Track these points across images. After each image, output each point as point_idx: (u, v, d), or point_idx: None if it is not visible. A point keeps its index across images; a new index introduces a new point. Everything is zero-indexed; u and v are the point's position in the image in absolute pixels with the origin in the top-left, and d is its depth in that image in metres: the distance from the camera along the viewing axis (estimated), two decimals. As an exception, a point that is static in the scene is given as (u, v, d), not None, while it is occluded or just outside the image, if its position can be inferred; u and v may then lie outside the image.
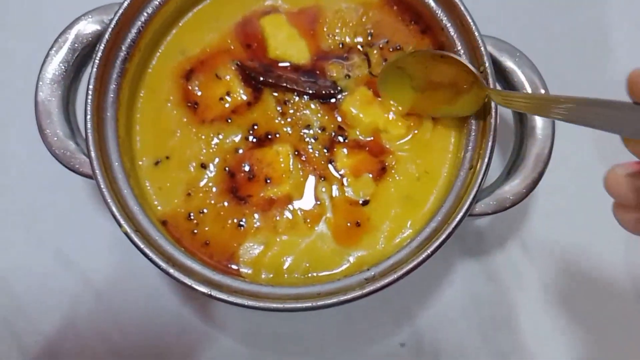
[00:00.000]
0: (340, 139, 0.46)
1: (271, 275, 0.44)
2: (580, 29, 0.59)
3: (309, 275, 0.45)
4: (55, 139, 0.44)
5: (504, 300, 0.55)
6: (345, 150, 0.46)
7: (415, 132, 0.46)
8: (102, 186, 0.41)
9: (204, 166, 0.46)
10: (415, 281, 0.54)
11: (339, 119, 0.47)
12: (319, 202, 0.45)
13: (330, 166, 0.46)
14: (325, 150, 0.46)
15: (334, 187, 0.46)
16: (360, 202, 0.45)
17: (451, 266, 0.55)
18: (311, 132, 0.47)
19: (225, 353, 0.53)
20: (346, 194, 0.45)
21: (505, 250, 0.55)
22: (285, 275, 0.45)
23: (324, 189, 0.45)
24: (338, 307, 0.54)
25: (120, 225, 0.41)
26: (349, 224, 0.45)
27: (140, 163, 0.46)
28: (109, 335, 0.53)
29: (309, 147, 0.46)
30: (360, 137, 0.46)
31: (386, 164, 0.46)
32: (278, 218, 0.45)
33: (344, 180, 0.46)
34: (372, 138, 0.46)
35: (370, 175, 0.45)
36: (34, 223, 0.55)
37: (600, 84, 0.57)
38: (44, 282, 0.55)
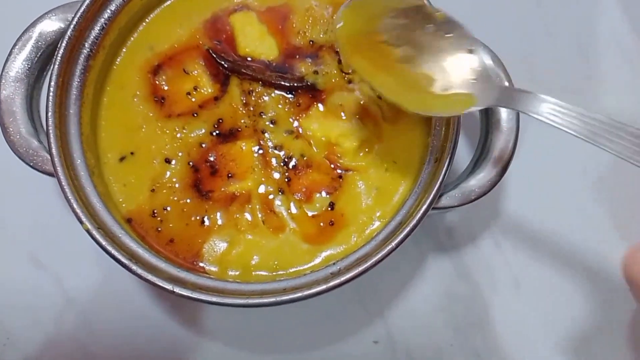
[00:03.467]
0: (297, 155, 0.46)
1: (238, 273, 0.44)
2: (549, 21, 0.59)
3: (278, 272, 0.44)
4: (18, 137, 0.44)
5: (477, 296, 0.55)
6: (300, 169, 0.46)
7: (367, 150, 0.46)
8: (63, 183, 0.41)
9: (168, 161, 0.46)
10: (388, 279, 0.55)
11: (299, 126, 0.47)
12: (277, 216, 0.45)
13: (286, 181, 0.46)
14: (283, 165, 0.46)
15: (292, 205, 0.46)
16: (325, 209, 0.45)
17: (423, 263, 0.55)
18: (272, 126, 0.46)
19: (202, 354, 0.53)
20: (305, 211, 0.45)
21: (477, 246, 0.56)
22: (253, 273, 0.44)
23: (279, 202, 0.45)
24: (313, 306, 0.54)
25: (81, 222, 0.40)
26: (322, 224, 0.45)
27: (105, 159, 0.46)
28: (85, 345, 0.53)
29: (269, 145, 0.46)
30: (315, 150, 0.46)
31: (343, 173, 0.46)
32: (238, 216, 0.45)
33: (299, 199, 0.46)
34: (325, 152, 0.47)
35: (324, 194, 0.46)
36: (2, 226, 0.54)
37: (573, 79, 0.58)
38: (15, 286, 0.54)
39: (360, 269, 0.39)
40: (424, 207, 0.40)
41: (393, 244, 0.40)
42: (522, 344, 0.54)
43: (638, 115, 0.57)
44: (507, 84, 0.44)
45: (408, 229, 0.40)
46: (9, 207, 0.55)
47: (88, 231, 0.40)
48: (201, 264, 0.44)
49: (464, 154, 0.53)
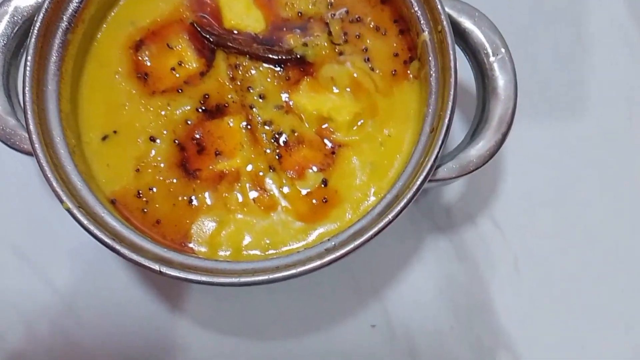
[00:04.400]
0: (287, 131, 0.45)
1: (229, 253, 0.42)
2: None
3: (270, 252, 0.43)
4: (-6, 115, 0.42)
5: (477, 278, 0.53)
6: (291, 145, 0.45)
7: (363, 120, 0.45)
8: (42, 161, 0.39)
9: (152, 139, 0.44)
10: (385, 261, 0.53)
11: (289, 100, 0.45)
12: (268, 194, 0.43)
13: (277, 158, 0.44)
14: (273, 141, 0.44)
15: (284, 182, 0.44)
16: (318, 187, 0.44)
17: (421, 244, 0.54)
18: (260, 101, 0.45)
19: (196, 343, 0.51)
20: (298, 188, 0.44)
21: (475, 226, 0.54)
22: (245, 253, 0.42)
23: (270, 180, 0.44)
24: (307, 290, 0.53)
25: (61, 201, 0.38)
26: (315, 202, 0.43)
27: (87, 139, 0.44)
28: (71, 335, 0.51)
29: (258, 121, 0.45)
30: (306, 125, 0.44)
31: (336, 148, 0.44)
32: (227, 195, 0.43)
33: (291, 177, 0.44)
34: (317, 127, 0.45)
35: (317, 170, 0.44)
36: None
37: (566, 44, 0.56)
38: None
39: (356, 243, 0.38)
40: (420, 178, 0.39)
41: (389, 217, 0.38)
42: (524, 324, 0.52)
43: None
44: (503, 50, 0.42)
45: (404, 201, 0.38)
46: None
47: (69, 210, 0.38)
48: (190, 246, 0.42)
49: (460, 125, 0.52)
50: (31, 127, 0.39)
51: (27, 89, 0.40)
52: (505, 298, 0.53)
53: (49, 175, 0.39)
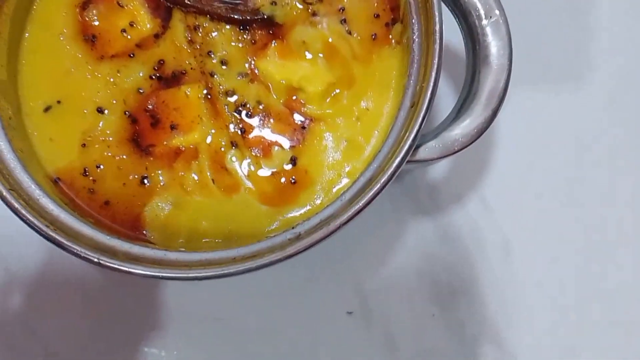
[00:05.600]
0: (252, 103, 0.40)
1: (184, 241, 0.38)
2: None
3: (232, 239, 0.38)
4: None
5: (463, 261, 0.50)
6: (257, 119, 0.40)
7: (337, 91, 0.40)
8: (-33, 136, 0.34)
9: (100, 110, 0.40)
10: (364, 243, 0.50)
11: (254, 68, 0.40)
12: (229, 174, 0.39)
13: (240, 133, 0.40)
14: (236, 114, 0.40)
15: (247, 161, 0.40)
16: (286, 167, 0.40)
17: (403, 227, 0.50)
18: (223, 67, 0.40)
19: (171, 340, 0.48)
20: (262, 168, 0.39)
21: (463, 206, 0.50)
22: (203, 240, 0.38)
23: (232, 158, 0.39)
24: (277, 275, 0.49)
25: (-11, 182, 0.34)
26: (282, 182, 0.39)
27: (27, 110, 0.40)
28: (29, 323, 0.48)
29: (220, 90, 0.40)
30: (274, 96, 0.40)
31: (307, 123, 0.40)
32: (183, 174, 0.38)
33: (256, 155, 0.40)
34: (286, 98, 0.40)
35: (285, 147, 0.40)
36: None
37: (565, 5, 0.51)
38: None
39: (322, 233, 0.34)
40: (397, 159, 0.34)
41: (360, 203, 0.34)
42: (512, 313, 0.49)
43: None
44: (497, 12, 0.37)
45: (378, 186, 0.34)
46: None
47: (-3, 193, 0.34)
48: (141, 230, 0.38)
49: (447, 99, 0.47)
50: (-47, 97, 0.35)
51: (-52, 53, 0.35)
52: (494, 284, 0.50)
53: (-26, 153, 0.34)
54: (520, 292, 0.49)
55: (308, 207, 0.39)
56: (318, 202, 0.39)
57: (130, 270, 0.33)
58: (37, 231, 0.33)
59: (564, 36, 0.51)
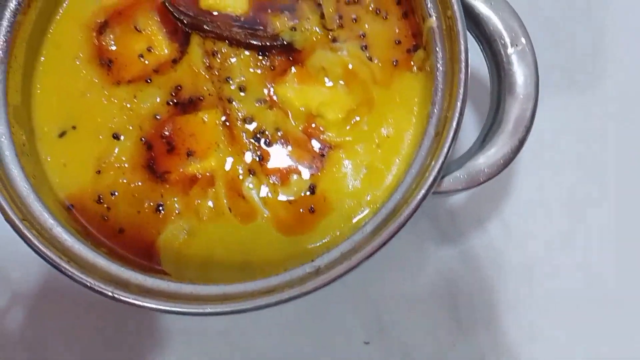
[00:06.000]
0: (271, 129, 0.39)
1: (198, 270, 0.37)
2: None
3: (248, 269, 0.37)
4: None
5: (484, 288, 0.49)
6: (275, 146, 0.39)
7: (357, 118, 0.39)
8: (-19, 167, 0.34)
9: (116, 136, 0.39)
10: (382, 271, 0.48)
11: (273, 94, 0.39)
12: (246, 201, 0.39)
13: (258, 160, 0.39)
14: (254, 141, 0.39)
15: (265, 188, 0.39)
16: (304, 195, 0.39)
17: (423, 251, 0.49)
18: (241, 94, 0.39)
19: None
20: (280, 196, 0.39)
21: (484, 231, 0.49)
22: (217, 270, 0.37)
23: (249, 185, 0.38)
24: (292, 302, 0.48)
25: (3, 212, 0.33)
26: (300, 211, 0.38)
27: (41, 135, 0.39)
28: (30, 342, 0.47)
29: (238, 117, 0.39)
30: (293, 123, 0.39)
31: (326, 150, 0.39)
32: (199, 201, 0.37)
33: (274, 182, 0.39)
34: (305, 125, 0.40)
35: (303, 175, 0.39)
36: None
37: (593, 35, 0.50)
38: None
39: (343, 268, 0.32)
40: (422, 191, 0.33)
41: (383, 236, 0.33)
42: (534, 343, 0.48)
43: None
44: (524, 40, 0.36)
45: (402, 218, 0.33)
46: None
47: (10, 222, 0.33)
48: (155, 259, 0.37)
49: (470, 126, 0.46)
50: (-32, 125, 0.34)
51: (-36, 80, 0.35)
52: (516, 313, 0.48)
53: (-12, 183, 0.33)
54: (543, 320, 0.48)
55: (327, 238, 0.38)
56: (338, 232, 0.38)
57: (144, 304, 0.32)
58: (49, 263, 0.33)
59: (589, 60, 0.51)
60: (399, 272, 0.48)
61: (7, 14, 0.38)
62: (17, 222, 0.33)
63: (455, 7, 0.35)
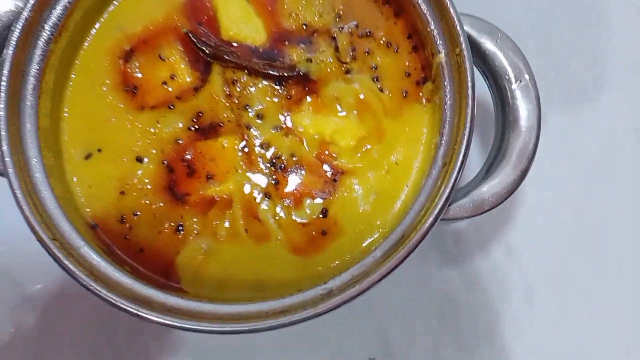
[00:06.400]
0: (286, 155, 0.41)
1: (215, 288, 0.39)
2: (574, 10, 0.53)
3: (262, 288, 0.39)
4: (-36, 133, 0.39)
5: (487, 310, 0.51)
6: (290, 171, 0.41)
7: (368, 146, 0.41)
8: (15, 189, 0.36)
9: (139, 159, 0.41)
10: (387, 289, 0.50)
11: (289, 122, 0.41)
12: (262, 223, 0.40)
13: (273, 184, 0.41)
14: (270, 165, 0.41)
15: (279, 211, 0.41)
16: (317, 217, 0.41)
17: (428, 273, 0.51)
18: (258, 121, 0.41)
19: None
20: (293, 218, 0.41)
21: (488, 254, 0.51)
22: (232, 289, 0.39)
23: (265, 207, 0.41)
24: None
25: (34, 232, 0.35)
26: (313, 233, 0.40)
27: (68, 157, 0.41)
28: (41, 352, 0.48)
29: (255, 143, 0.41)
30: (307, 149, 0.41)
31: (338, 175, 0.41)
32: (217, 223, 0.39)
33: (288, 205, 0.41)
34: (318, 151, 0.41)
35: (316, 199, 0.41)
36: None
37: (596, 72, 0.52)
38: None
39: (354, 291, 0.34)
40: (431, 219, 0.35)
41: (393, 261, 0.34)
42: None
43: None
44: (527, 77, 0.38)
45: (411, 244, 0.35)
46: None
47: (41, 242, 0.35)
48: (174, 278, 0.39)
49: (476, 156, 0.48)
50: (5, 149, 0.36)
51: (1, 106, 0.37)
52: (518, 333, 0.50)
53: (22, 204, 0.36)
54: (543, 342, 0.50)
55: (338, 261, 0.40)
56: (348, 256, 0.40)
57: (167, 322, 0.34)
58: (78, 281, 0.34)
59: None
60: (404, 292, 0.50)
61: (41, 42, 0.40)
62: (48, 242, 0.35)
63: (464, 45, 0.37)
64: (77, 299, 0.49)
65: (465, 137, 0.36)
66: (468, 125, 0.36)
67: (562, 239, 0.51)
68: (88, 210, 0.40)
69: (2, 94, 0.37)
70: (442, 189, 0.36)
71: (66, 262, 0.35)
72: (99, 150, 0.41)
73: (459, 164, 0.36)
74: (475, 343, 0.49)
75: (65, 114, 0.42)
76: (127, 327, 0.49)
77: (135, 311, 0.34)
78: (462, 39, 0.37)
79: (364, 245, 0.40)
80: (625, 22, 0.53)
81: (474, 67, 0.39)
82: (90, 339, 0.49)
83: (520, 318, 0.50)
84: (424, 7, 0.39)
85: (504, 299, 0.50)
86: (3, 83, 0.37)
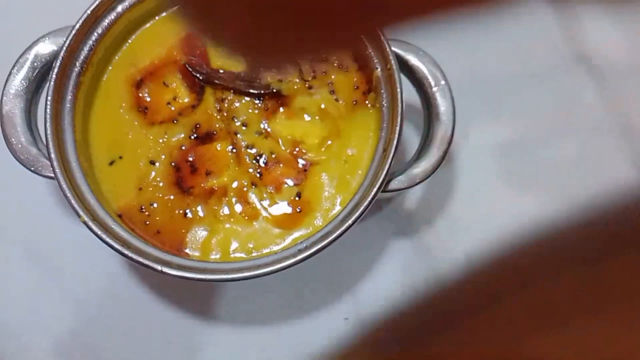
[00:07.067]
0: (267, 153, 0.52)
1: (218, 256, 0.50)
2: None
3: (253, 254, 0.51)
4: (20, 146, 0.50)
5: (433, 270, 0.61)
6: (270, 165, 0.52)
7: (329, 142, 0.52)
8: (62, 183, 0.47)
9: (152, 162, 0.52)
10: (356, 261, 0.61)
11: (267, 127, 0.53)
12: (251, 206, 0.51)
13: (258, 176, 0.52)
14: (255, 162, 0.52)
15: (264, 195, 0.52)
16: (293, 199, 0.52)
17: (386, 246, 0.61)
18: (244, 128, 0.53)
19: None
20: (276, 200, 0.52)
21: (433, 227, 0.62)
22: (232, 256, 0.51)
23: (253, 194, 0.51)
24: (289, 287, 0.61)
25: (79, 215, 0.46)
26: (290, 210, 0.52)
27: (96, 163, 0.52)
28: (94, 347, 0.58)
29: (242, 145, 0.53)
30: (282, 148, 0.52)
31: (307, 166, 0.52)
32: (216, 207, 0.51)
33: (271, 191, 0.52)
34: (291, 149, 0.53)
35: (292, 185, 0.52)
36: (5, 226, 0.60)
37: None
38: (19, 291, 0.59)
39: (322, 244, 0.46)
40: (374, 189, 0.47)
41: (349, 221, 0.46)
42: (476, 309, 0.61)
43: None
44: (443, 82, 0.51)
45: (361, 208, 0.47)
46: (12, 212, 0.61)
47: (85, 223, 0.46)
48: (186, 251, 0.50)
49: (412, 141, 0.61)
50: (53, 156, 0.47)
51: (48, 124, 0.48)
52: (458, 284, 0.61)
53: (68, 195, 0.47)
54: (481, 294, 0.61)
55: (310, 229, 0.51)
56: (318, 224, 0.52)
57: (185, 275, 0.45)
58: (116, 250, 0.45)
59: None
60: (370, 262, 0.61)
61: (74, 74, 0.51)
62: (90, 222, 0.46)
63: (393, 62, 0.50)
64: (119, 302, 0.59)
65: (397, 129, 0.48)
66: (398, 120, 0.48)
67: (491, 215, 0.63)
68: (114, 203, 0.51)
69: (48, 115, 0.49)
70: (382, 168, 0.48)
71: (105, 237, 0.46)
72: (120, 157, 0.52)
73: (393, 149, 0.48)
74: (424, 299, 0.60)
75: (93, 131, 0.52)
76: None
77: (160, 268, 0.45)
78: (391, 57, 0.49)
79: (330, 215, 0.51)
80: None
81: (404, 77, 0.52)
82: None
83: (460, 277, 0.60)
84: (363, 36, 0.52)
85: (446, 262, 0.61)
86: (48, 107, 0.49)
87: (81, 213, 0.46)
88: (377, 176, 0.48)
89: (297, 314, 0.60)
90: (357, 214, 0.47)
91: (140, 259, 0.45)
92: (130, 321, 0.59)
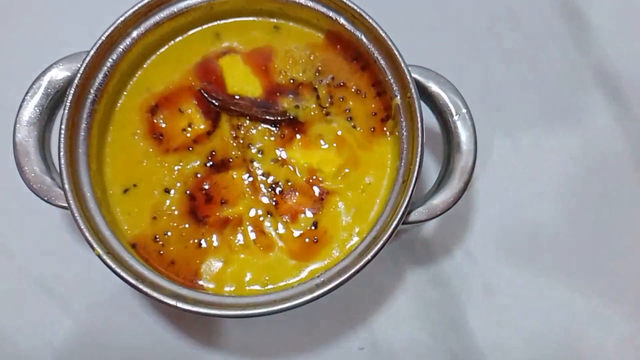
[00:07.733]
0: (283, 181, 0.51)
1: (233, 288, 0.49)
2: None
3: (268, 287, 0.50)
4: (33, 175, 0.49)
5: (452, 302, 0.60)
6: (286, 193, 0.51)
7: (347, 170, 0.51)
8: (76, 215, 0.46)
9: (167, 191, 0.51)
10: (371, 290, 0.60)
11: (283, 155, 0.52)
12: (266, 236, 0.50)
13: (274, 205, 0.51)
14: (271, 190, 0.51)
15: (280, 225, 0.51)
16: (309, 228, 0.50)
17: (402, 275, 0.60)
18: (260, 156, 0.52)
19: None
20: (292, 230, 0.50)
21: (450, 256, 0.61)
22: (247, 288, 0.49)
23: (268, 224, 0.50)
24: (305, 318, 0.59)
25: (93, 248, 0.46)
26: (307, 241, 0.50)
27: (111, 192, 0.51)
28: None
29: (258, 173, 0.52)
30: (299, 176, 0.51)
31: (324, 195, 0.51)
32: (231, 237, 0.50)
33: (286, 221, 0.51)
34: (308, 177, 0.52)
35: (308, 214, 0.51)
36: (16, 253, 0.60)
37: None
38: (26, 314, 0.59)
39: (341, 279, 0.45)
40: (395, 222, 0.46)
41: (369, 256, 0.45)
42: (495, 342, 0.59)
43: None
44: (464, 110, 0.50)
45: (381, 242, 0.45)
46: (22, 239, 0.60)
47: (99, 256, 0.45)
48: (200, 282, 0.49)
49: (432, 174, 0.59)
50: (67, 186, 0.47)
51: (62, 154, 0.47)
52: (479, 319, 0.59)
53: (82, 227, 0.46)
54: (502, 326, 0.60)
55: (327, 261, 0.50)
56: (335, 256, 0.50)
57: (199, 311, 0.44)
58: (131, 285, 0.45)
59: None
60: (385, 291, 0.59)
61: (88, 102, 0.50)
62: (104, 255, 0.45)
63: (413, 90, 0.48)
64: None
65: (417, 160, 0.47)
66: (419, 151, 0.47)
67: (512, 242, 0.62)
68: (128, 232, 0.50)
69: (62, 145, 0.48)
70: (402, 200, 0.47)
71: (119, 270, 0.45)
72: (135, 185, 0.51)
73: (414, 180, 0.47)
74: (444, 333, 0.58)
75: (107, 159, 0.51)
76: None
77: (174, 304, 0.44)
78: (411, 85, 0.48)
79: (347, 247, 0.50)
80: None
81: (425, 105, 0.51)
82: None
83: (481, 310, 0.59)
84: (382, 62, 0.51)
85: (465, 294, 0.59)
86: (62, 136, 0.48)
87: (95, 246, 0.46)
88: (397, 208, 0.47)
89: (311, 344, 0.59)
90: (377, 248, 0.46)
91: (155, 294, 0.44)
92: (137, 351, 0.58)
